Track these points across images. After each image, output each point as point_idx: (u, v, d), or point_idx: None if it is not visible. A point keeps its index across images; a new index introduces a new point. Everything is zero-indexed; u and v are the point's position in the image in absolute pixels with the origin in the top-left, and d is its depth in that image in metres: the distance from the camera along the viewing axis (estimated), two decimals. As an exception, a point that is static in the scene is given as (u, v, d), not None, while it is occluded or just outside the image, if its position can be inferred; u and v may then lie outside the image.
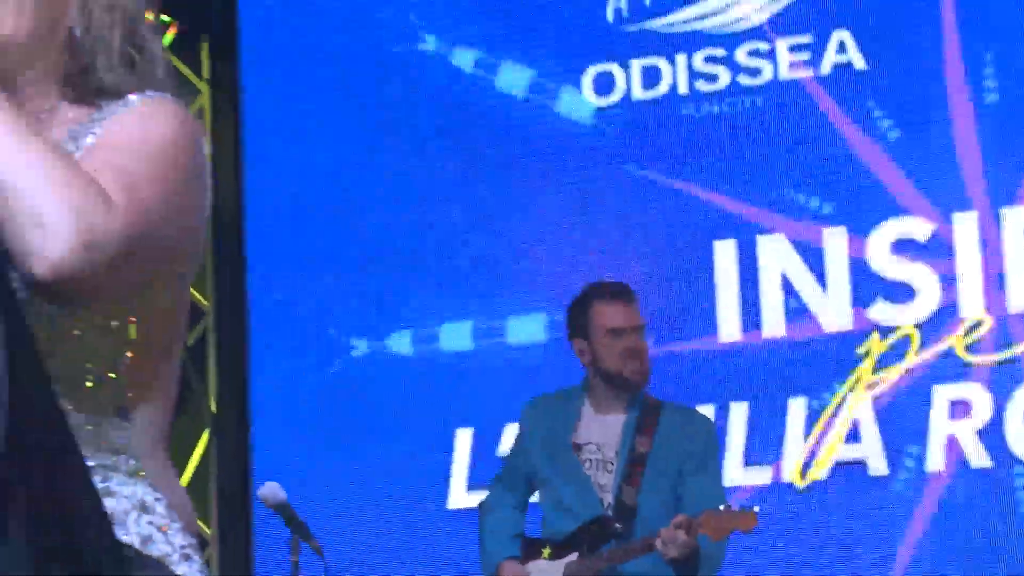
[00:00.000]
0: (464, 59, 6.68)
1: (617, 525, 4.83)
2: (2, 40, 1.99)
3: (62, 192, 1.78)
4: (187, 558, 1.91)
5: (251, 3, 7.03)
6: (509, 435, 6.08)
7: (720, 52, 6.47)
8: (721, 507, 4.70)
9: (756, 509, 4.70)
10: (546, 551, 4.94)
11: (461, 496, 6.46)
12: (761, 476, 6.13)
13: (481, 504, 5.14)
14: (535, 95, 6.61)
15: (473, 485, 6.38)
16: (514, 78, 6.63)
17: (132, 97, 2.01)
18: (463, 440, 6.49)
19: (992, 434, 5.93)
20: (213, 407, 6.91)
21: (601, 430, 4.98)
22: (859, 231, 6.21)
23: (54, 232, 1.76)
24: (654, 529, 4.70)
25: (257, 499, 6.10)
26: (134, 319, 1.94)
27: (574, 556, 4.89)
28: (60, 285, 1.77)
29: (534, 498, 5.05)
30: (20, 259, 1.77)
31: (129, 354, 1.93)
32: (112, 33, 2.06)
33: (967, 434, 5.99)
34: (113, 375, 1.93)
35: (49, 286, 1.77)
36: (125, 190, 1.84)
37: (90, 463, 1.83)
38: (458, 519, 6.37)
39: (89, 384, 1.91)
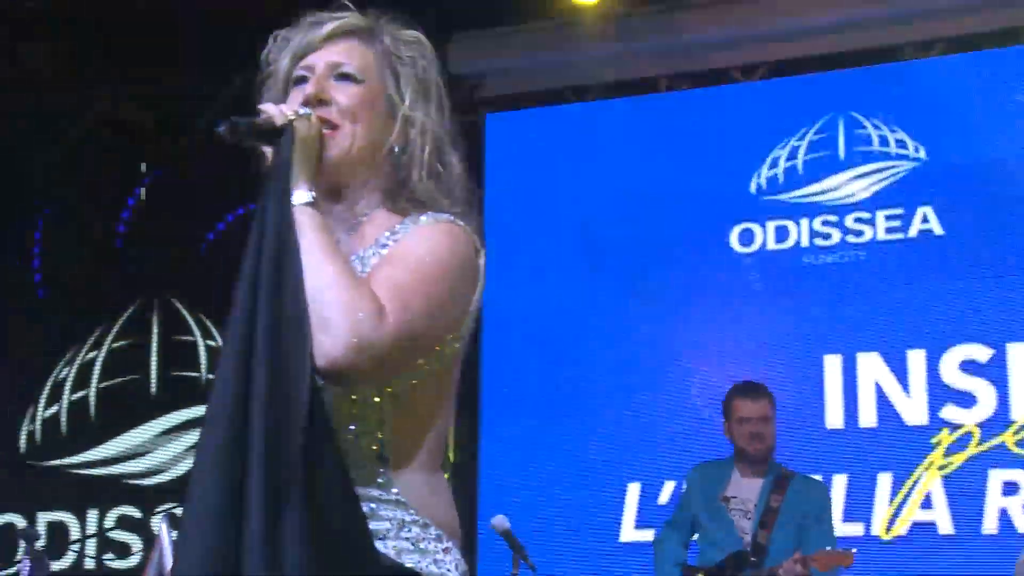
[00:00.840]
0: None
1: (752, 558, 4.89)
2: (338, 158, 1.99)
3: (345, 305, 1.78)
4: (437, 562, 1.90)
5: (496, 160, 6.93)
6: (667, 489, 6.32)
7: (833, 218, 6.39)
8: (828, 548, 4.76)
9: (854, 550, 4.75)
10: (700, 575, 4.99)
11: (630, 532, 6.39)
12: (855, 529, 6.01)
13: (655, 540, 5.18)
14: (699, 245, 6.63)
15: (639, 525, 6.33)
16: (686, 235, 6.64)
17: (423, 218, 1.98)
18: (633, 491, 6.44)
19: (1034, 507, 5.89)
20: (451, 457, 6.86)
21: (746, 488, 5.02)
22: (935, 353, 6.09)
23: (334, 336, 1.76)
24: (779, 562, 4.77)
25: (484, 527, 6.04)
26: (395, 395, 1.91)
27: (720, 579, 4.94)
28: (334, 376, 1.79)
29: (695, 538, 5.07)
30: (314, 353, 1.78)
31: (391, 419, 1.91)
32: (423, 151, 2.04)
33: (1015, 507, 5.89)
34: (380, 435, 1.91)
35: (326, 376, 1.79)
36: (397, 302, 1.83)
37: (360, 492, 1.85)
38: (627, 550, 6.33)
39: (361, 441, 1.91)
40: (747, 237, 6.53)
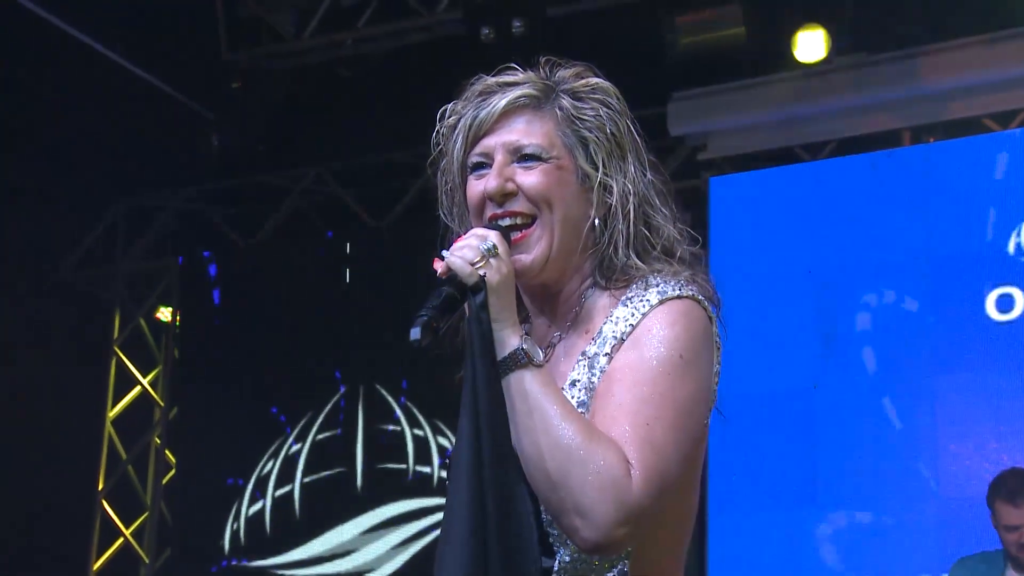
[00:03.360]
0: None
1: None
2: (540, 260, 2.00)
3: (594, 485, 1.80)
4: None
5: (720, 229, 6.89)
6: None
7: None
8: None
9: None
10: None
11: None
12: None
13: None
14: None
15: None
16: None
17: (648, 296, 1.95)
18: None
19: None
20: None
21: None
22: None
23: (592, 521, 1.81)
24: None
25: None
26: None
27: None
28: (598, 553, 1.87)
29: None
30: (566, 530, 1.85)
31: (632, 552, 1.95)
32: (626, 220, 2.01)
33: None
34: (625, 562, 1.95)
35: (591, 553, 1.87)
36: (644, 447, 1.85)
37: None
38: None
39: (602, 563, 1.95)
40: (1006, 303, 6.42)
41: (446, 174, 2.07)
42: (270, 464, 7.74)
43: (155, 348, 8.26)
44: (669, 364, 1.89)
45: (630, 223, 2.01)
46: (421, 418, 7.51)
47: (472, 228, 2.01)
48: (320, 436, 7.68)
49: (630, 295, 1.98)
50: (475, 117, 2.02)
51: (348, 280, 7.76)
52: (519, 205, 2.00)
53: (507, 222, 2.00)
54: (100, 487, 7.96)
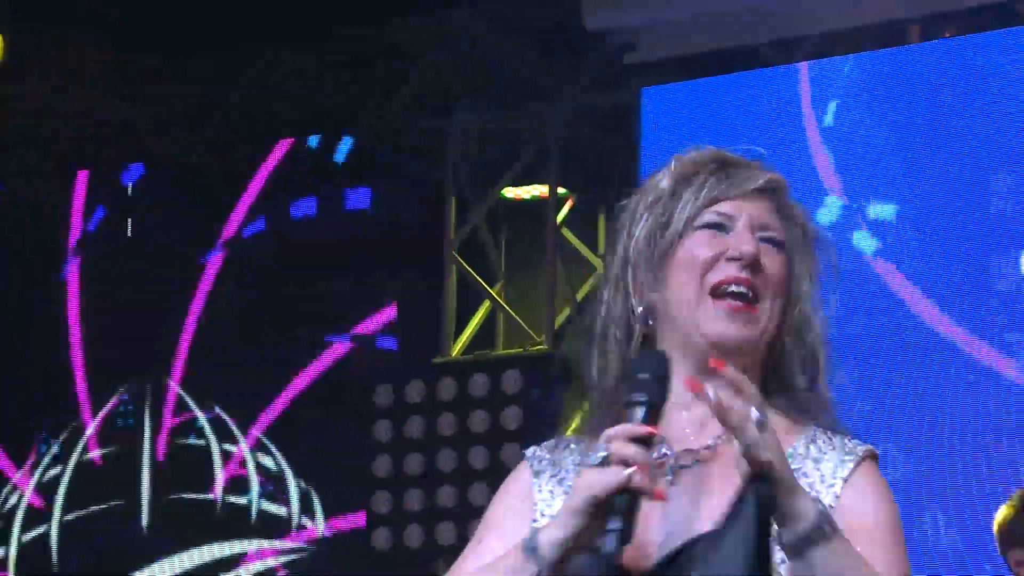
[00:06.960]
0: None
1: None
2: (751, 342, 2.13)
3: None
4: None
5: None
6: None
7: None
8: None
9: None
10: None
11: None
12: None
13: None
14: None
15: None
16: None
17: (851, 445, 2.14)
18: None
19: None
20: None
21: None
22: None
23: None
24: None
25: None
26: None
27: None
28: None
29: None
30: None
31: None
32: (818, 363, 2.22)
33: None
34: None
35: None
36: None
37: None
38: None
39: None
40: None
41: (659, 215, 2.23)
42: (14, 498, 7.36)
43: None
44: (894, 526, 2.13)
45: (820, 373, 2.22)
46: (235, 429, 7.21)
47: (678, 290, 2.19)
48: (87, 456, 7.38)
49: (814, 436, 2.18)
50: (724, 177, 2.23)
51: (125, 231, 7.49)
52: (760, 282, 2.18)
53: (740, 289, 2.19)
54: None
